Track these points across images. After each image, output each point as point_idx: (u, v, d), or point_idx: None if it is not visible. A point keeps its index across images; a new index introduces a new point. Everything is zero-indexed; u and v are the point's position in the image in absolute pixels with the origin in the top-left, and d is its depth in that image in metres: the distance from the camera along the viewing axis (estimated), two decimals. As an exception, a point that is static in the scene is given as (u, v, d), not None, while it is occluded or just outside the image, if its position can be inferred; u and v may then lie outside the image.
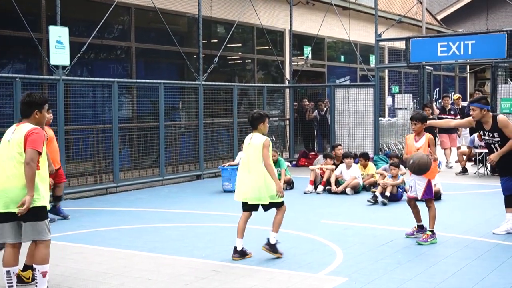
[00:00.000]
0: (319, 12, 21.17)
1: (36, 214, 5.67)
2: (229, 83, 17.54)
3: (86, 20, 15.21)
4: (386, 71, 23.53)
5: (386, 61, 21.59)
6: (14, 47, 13.88)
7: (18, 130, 5.72)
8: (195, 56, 16.92)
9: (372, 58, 24.17)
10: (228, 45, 17.78)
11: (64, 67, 12.61)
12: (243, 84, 19.22)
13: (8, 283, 5.75)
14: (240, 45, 20.34)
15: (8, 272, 5.74)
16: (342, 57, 25.12)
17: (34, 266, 5.76)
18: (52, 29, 12.38)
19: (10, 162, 5.64)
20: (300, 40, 21.81)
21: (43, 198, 5.71)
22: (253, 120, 7.53)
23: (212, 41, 18.49)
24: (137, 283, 6.57)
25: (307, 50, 21.73)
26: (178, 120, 16.70)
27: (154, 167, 14.88)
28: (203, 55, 16.18)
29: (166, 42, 16.20)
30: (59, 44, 12.42)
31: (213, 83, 16.52)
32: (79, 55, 12.97)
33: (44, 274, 5.71)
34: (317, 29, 19.77)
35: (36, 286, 5.79)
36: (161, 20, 15.12)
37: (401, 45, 17.72)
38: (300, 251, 7.94)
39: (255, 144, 7.40)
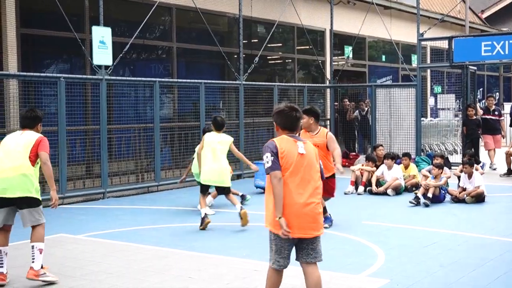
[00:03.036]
0: (360, 12, 21.00)
1: (31, 203, 6.50)
2: (270, 83, 17.53)
3: (128, 20, 15.38)
4: (428, 71, 23.22)
5: (429, 61, 21.27)
6: (58, 47, 14.11)
7: (27, 134, 6.63)
8: (235, 56, 16.95)
9: (414, 58, 23.88)
10: (269, 45, 17.77)
11: (106, 67, 12.76)
12: (283, 84, 19.17)
13: (1, 260, 6.47)
14: (280, 45, 20.30)
15: (0, 252, 6.48)
16: (384, 56, 24.87)
17: (32, 243, 6.45)
18: (95, 29, 12.54)
19: (15, 155, 6.47)
20: (340, 40, 21.68)
21: (37, 191, 6.56)
22: (223, 125, 9.91)
23: (252, 41, 18.50)
24: (177, 281, 6.60)
25: (348, 50, 21.58)
26: (219, 120, 16.70)
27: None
28: (244, 55, 16.20)
29: (207, 42, 16.27)
30: (102, 44, 12.58)
31: (254, 83, 16.53)
32: (121, 55, 13.11)
33: (40, 250, 6.47)
34: (358, 29, 19.62)
35: (34, 261, 6.41)
36: (202, 20, 15.19)
37: (444, 44, 17.45)
38: (341, 252, 7.88)
39: (226, 141, 9.81)
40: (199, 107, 14.73)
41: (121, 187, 13.20)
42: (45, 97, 12.85)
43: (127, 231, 9.40)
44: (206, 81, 15.12)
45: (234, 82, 16.00)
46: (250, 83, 16.27)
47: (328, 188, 9.05)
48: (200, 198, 9.60)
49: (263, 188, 12.95)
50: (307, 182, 4.97)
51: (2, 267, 6.45)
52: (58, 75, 12.25)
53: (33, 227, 6.53)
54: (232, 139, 10.03)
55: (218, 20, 17.66)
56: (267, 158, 4.94)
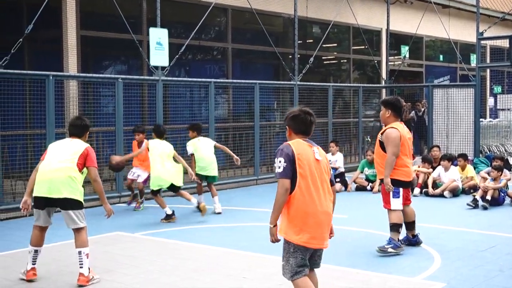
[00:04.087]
0: (417, 11, 20.68)
1: (75, 205, 6.60)
2: (324, 83, 17.44)
3: (184, 21, 15.54)
4: (488, 70, 22.69)
5: (488, 60, 20.78)
6: (116, 49, 14.38)
7: (76, 142, 6.82)
8: (290, 56, 16.93)
9: (473, 57, 23.38)
10: (324, 45, 17.69)
11: (163, 67, 12.94)
12: (338, 84, 19.06)
13: (33, 259, 6.65)
14: (335, 45, 20.19)
15: (36, 251, 6.66)
16: (441, 56, 24.43)
17: (78, 249, 6.57)
18: (153, 31, 12.73)
19: (63, 158, 6.62)
20: (397, 39, 21.40)
21: (81, 194, 6.67)
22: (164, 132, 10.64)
23: (307, 41, 18.45)
24: (230, 280, 6.63)
25: (405, 50, 21.28)
26: (273, 120, 16.76)
27: (249, 167, 15.01)
28: (299, 55, 16.17)
29: (261, 42, 16.31)
30: (158, 46, 12.76)
31: (308, 83, 16.47)
32: (177, 56, 13.27)
33: (87, 255, 6.59)
34: (414, 28, 19.33)
35: (82, 267, 6.54)
36: (257, 21, 15.23)
37: (505, 43, 17.02)
38: (397, 254, 7.76)
39: (169, 147, 10.37)
40: (254, 107, 14.77)
41: (176, 187, 13.32)
42: (103, 98, 13.11)
43: (180, 230, 9.50)
44: (260, 81, 15.15)
45: (288, 82, 15.99)
46: (305, 83, 16.23)
47: (383, 194, 7.95)
48: (156, 199, 10.29)
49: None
50: (324, 190, 4.80)
51: (34, 263, 6.66)
52: (116, 76, 12.48)
53: (76, 231, 6.64)
54: (172, 146, 10.51)
55: (273, 21, 17.67)
56: (280, 163, 4.68)
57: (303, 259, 4.78)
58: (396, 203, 7.77)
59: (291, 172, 4.64)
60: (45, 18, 11.29)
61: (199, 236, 9.05)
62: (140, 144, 10.99)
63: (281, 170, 4.65)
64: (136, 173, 11.38)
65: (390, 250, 7.66)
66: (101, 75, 12.66)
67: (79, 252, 6.57)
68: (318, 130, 16.97)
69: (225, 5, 15.71)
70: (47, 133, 11.12)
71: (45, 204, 6.61)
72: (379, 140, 7.92)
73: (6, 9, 12.74)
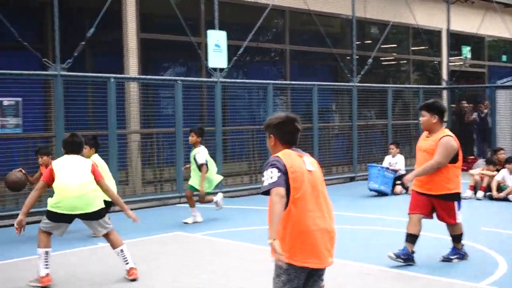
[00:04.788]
0: (478, 10, 20.21)
1: (101, 214, 6.80)
2: (383, 85, 17.22)
3: (242, 23, 15.59)
4: (554, 70, 21.97)
5: (554, 60, 20.16)
6: (175, 51, 14.53)
7: (80, 158, 6.91)
8: (348, 58, 16.78)
9: (538, 57, 22.71)
10: (382, 46, 17.46)
11: (221, 69, 13.00)
12: (397, 85, 18.79)
13: (45, 262, 6.54)
14: (395, 45, 19.90)
15: (47, 253, 6.58)
16: (504, 56, 23.79)
17: (119, 248, 6.74)
18: (211, 33, 12.81)
19: (80, 173, 6.69)
20: (458, 40, 20.94)
21: (102, 203, 6.89)
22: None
23: (365, 42, 18.25)
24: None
25: (466, 50, 20.80)
26: (332, 122, 16.65)
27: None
28: (357, 57, 16.02)
29: (319, 43, 16.22)
30: (217, 48, 12.83)
31: (367, 84, 16.30)
32: (235, 57, 13.31)
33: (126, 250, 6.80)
34: (476, 28, 18.91)
35: (128, 263, 6.72)
36: (314, 22, 15.15)
37: None
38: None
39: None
40: (312, 109, 14.69)
41: (234, 188, 13.39)
42: (163, 99, 13.27)
43: (239, 231, 9.50)
44: (319, 83, 15.07)
45: (347, 84, 15.85)
46: (364, 84, 16.06)
47: (447, 210, 7.27)
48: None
49: (377, 191, 12.76)
50: (322, 204, 4.18)
51: (47, 267, 6.55)
52: (175, 78, 12.62)
53: (106, 236, 6.81)
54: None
55: (331, 22, 17.55)
56: (272, 173, 4.00)
57: (297, 277, 4.15)
58: (460, 216, 7.45)
59: (284, 182, 4.00)
60: (106, 22, 11.50)
61: (259, 237, 9.02)
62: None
63: (274, 179, 3.98)
64: None
65: (455, 260, 7.43)
66: (160, 77, 12.83)
67: (121, 251, 6.72)
68: (377, 132, 16.78)
69: (282, 6, 15.68)
70: (108, 134, 11.32)
71: (71, 218, 6.70)
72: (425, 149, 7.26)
73: (70, 13, 13.02)
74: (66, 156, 6.88)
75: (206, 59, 12.94)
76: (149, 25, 13.51)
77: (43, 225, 6.65)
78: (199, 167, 9.87)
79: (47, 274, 6.48)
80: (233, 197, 13.09)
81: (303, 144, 14.62)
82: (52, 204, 6.60)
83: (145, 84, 12.59)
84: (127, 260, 6.74)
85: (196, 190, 10.03)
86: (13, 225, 6.76)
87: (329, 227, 4.19)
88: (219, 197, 10.37)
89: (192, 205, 10.16)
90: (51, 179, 6.63)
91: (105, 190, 6.90)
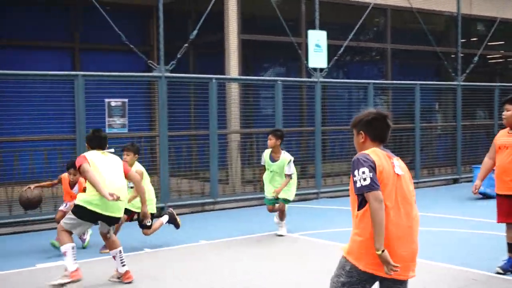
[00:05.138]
0: None
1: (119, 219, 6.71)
2: (490, 84, 16.59)
3: (342, 23, 15.46)
4: None
5: None
6: (275, 51, 14.60)
7: (114, 157, 6.72)
8: (452, 56, 16.28)
9: None
10: (489, 43, 16.82)
11: (321, 69, 12.95)
12: (505, 84, 18.03)
13: (74, 256, 6.37)
14: (502, 42, 19.11)
15: (73, 247, 6.40)
16: None
17: (118, 249, 6.61)
18: (311, 33, 12.79)
19: (117, 175, 6.57)
20: None
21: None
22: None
23: (471, 39, 17.64)
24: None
25: None
26: (435, 122, 16.21)
27: (409, 170, 14.61)
28: (462, 55, 15.51)
29: (422, 42, 15.83)
30: (317, 48, 12.80)
31: (472, 83, 15.75)
32: (336, 57, 13.22)
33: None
34: None
35: (125, 264, 6.63)
36: (417, 20, 14.81)
37: None
38: None
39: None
40: (414, 109, 14.37)
41: (334, 188, 13.30)
42: (263, 99, 13.37)
43: (336, 232, 9.43)
44: (421, 82, 14.72)
45: (451, 83, 15.40)
46: (469, 83, 15.54)
47: None
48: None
49: (483, 194, 12.30)
50: (409, 213, 3.86)
51: (76, 262, 6.39)
52: (275, 78, 12.70)
53: (110, 237, 6.68)
54: None
55: (435, 19, 17.07)
56: (364, 174, 3.71)
57: (360, 283, 3.85)
58: None
59: (378, 182, 3.72)
60: (209, 24, 11.72)
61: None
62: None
63: (368, 182, 3.70)
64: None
65: None
66: (260, 78, 12.94)
67: (119, 252, 6.64)
68: (482, 132, 16.20)
69: (384, 5, 15.42)
70: (209, 134, 11.53)
71: (98, 219, 6.51)
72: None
73: (173, 16, 13.38)
74: (96, 152, 6.62)
75: (306, 59, 12.93)
76: (250, 26, 13.65)
77: (67, 221, 6.45)
78: (287, 175, 8.93)
79: (77, 269, 6.35)
80: (333, 198, 13.01)
81: (405, 144, 14.34)
82: (85, 200, 6.38)
83: (246, 84, 12.73)
84: (124, 262, 6.64)
85: (287, 201, 9.08)
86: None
87: (411, 236, 3.88)
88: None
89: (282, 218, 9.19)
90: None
91: (138, 182, 6.90)
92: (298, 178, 9.79)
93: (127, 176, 6.73)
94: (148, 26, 14.92)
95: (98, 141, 6.71)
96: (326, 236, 9.10)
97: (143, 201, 7.07)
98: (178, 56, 11.23)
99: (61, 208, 8.71)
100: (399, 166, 3.92)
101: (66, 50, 14.18)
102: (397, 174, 3.86)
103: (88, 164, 6.36)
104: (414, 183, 14.52)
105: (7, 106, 11.17)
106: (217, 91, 11.63)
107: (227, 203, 12.02)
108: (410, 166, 14.59)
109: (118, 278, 6.66)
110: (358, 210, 3.80)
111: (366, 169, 3.74)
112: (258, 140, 12.85)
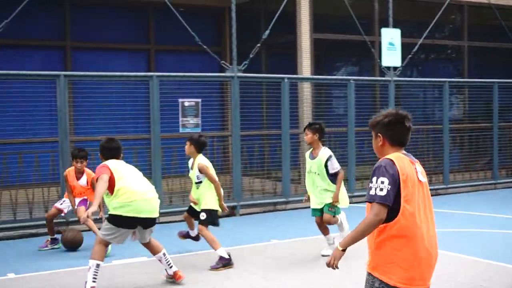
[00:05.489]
0: None
1: (155, 221, 6.64)
2: None
3: (417, 20, 15.19)
4: None
5: None
6: (347, 50, 14.49)
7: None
8: (534, 53, 15.72)
9: None
10: None
11: (395, 68, 12.75)
12: None
13: (95, 274, 6.17)
14: None
15: (98, 266, 6.21)
16: None
17: (162, 252, 6.59)
18: (385, 31, 12.61)
19: (143, 178, 6.55)
20: None
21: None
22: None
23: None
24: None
25: None
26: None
27: (486, 170, 14.24)
28: (544, 51, 14.97)
29: (501, 39, 15.35)
30: (390, 46, 12.60)
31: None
32: (410, 55, 12.99)
33: None
34: None
35: (172, 266, 6.60)
36: (496, 16, 14.37)
37: None
38: None
39: None
40: (492, 108, 13.96)
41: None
42: (335, 99, 13.27)
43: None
44: (500, 80, 14.28)
45: (531, 80, 14.87)
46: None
47: None
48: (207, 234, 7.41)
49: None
50: (428, 221, 3.69)
51: (95, 282, 6.15)
52: (348, 77, 12.59)
53: (148, 242, 6.60)
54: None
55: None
56: (383, 184, 3.54)
57: None
58: None
59: (393, 198, 3.55)
60: (281, 24, 11.73)
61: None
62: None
63: (384, 193, 3.53)
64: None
65: None
66: (333, 77, 12.86)
67: (163, 255, 6.60)
68: None
69: (461, 1, 15.05)
70: (282, 134, 11.53)
71: (137, 223, 6.38)
72: None
73: (245, 17, 13.46)
74: (118, 161, 6.53)
75: (380, 58, 12.76)
76: (322, 25, 13.58)
77: (105, 232, 6.31)
78: (332, 175, 7.58)
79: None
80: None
81: (482, 144, 13.96)
82: (116, 207, 6.25)
83: (318, 84, 12.67)
84: (171, 264, 6.61)
85: (334, 210, 7.65)
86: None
87: (434, 246, 3.71)
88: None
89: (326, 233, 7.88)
90: (112, 178, 6.22)
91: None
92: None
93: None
94: (221, 26, 15.06)
95: (109, 152, 6.58)
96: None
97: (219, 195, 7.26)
98: (251, 56, 11.29)
99: (57, 204, 8.54)
100: (421, 172, 3.74)
101: (141, 51, 14.49)
102: (420, 181, 3.68)
103: (107, 175, 6.17)
104: (492, 184, 14.19)
105: (84, 106, 11.52)
106: (289, 90, 11.62)
107: (299, 203, 11.98)
108: (487, 166, 14.20)
109: (171, 279, 6.68)
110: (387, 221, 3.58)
111: (386, 180, 3.56)
112: (330, 139, 12.76)
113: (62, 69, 12.98)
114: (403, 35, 13.03)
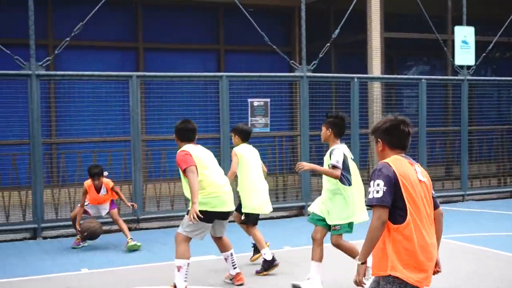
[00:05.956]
0: None
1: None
2: None
3: (491, 18, 14.78)
4: None
5: None
6: (419, 49, 14.25)
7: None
8: None
9: None
10: None
11: (468, 67, 12.45)
12: None
13: (186, 274, 6.05)
14: None
15: (188, 264, 6.08)
16: None
17: (230, 252, 6.51)
18: (458, 29, 12.34)
19: (219, 169, 6.39)
20: None
21: None
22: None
23: None
24: None
25: None
26: None
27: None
28: None
29: None
30: (464, 44, 12.31)
31: None
32: (484, 54, 12.65)
33: None
34: None
35: (236, 267, 6.56)
36: None
37: None
38: None
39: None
40: None
41: (481, 190, 12.73)
42: (406, 99, 13.06)
43: (487, 236, 9.01)
44: None
45: None
46: None
47: None
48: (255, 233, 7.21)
49: None
50: (430, 219, 3.80)
51: (186, 280, 6.05)
52: (419, 76, 12.37)
53: (220, 238, 6.48)
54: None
55: None
56: (378, 187, 3.66)
57: None
58: None
59: (391, 198, 3.66)
60: (351, 23, 11.63)
61: (507, 243, 8.48)
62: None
63: (379, 194, 3.64)
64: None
65: None
66: (404, 76, 12.66)
67: (231, 254, 6.54)
68: None
69: (538, -3, 14.55)
70: (351, 134, 11.42)
71: (215, 217, 6.19)
72: None
73: (315, 16, 13.41)
74: (195, 146, 6.26)
75: (453, 57, 12.47)
76: (393, 24, 13.39)
77: (187, 228, 6.07)
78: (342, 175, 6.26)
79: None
80: (480, 200, 12.46)
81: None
82: (202, 203, 5.97)
83: (388, 83, 12.50)
84: (235, 265, 6.53)
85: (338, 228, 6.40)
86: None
87: (435, 243, 3.82)
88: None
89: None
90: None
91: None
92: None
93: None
94: (290, 26, 15.06)
95: (187, 133, 6.31)
96: (474, 240, 8.71)
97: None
98: (320, 56, 11.24)
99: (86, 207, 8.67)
100: (420, 172, 3.84)
101: (211, 51, 14.65)
102: (420, 180, 3.79)
103: (195, 166, 5.96)
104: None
105: (155, 106, 11.73)
106: (359, 90, 11.51)
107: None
108: None
109: (231, 280, 6.67)
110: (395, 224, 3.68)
111: (381, 182, 3.69)
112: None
113: (134, 69, 13.27)
114: (477, 33, 12.70)
